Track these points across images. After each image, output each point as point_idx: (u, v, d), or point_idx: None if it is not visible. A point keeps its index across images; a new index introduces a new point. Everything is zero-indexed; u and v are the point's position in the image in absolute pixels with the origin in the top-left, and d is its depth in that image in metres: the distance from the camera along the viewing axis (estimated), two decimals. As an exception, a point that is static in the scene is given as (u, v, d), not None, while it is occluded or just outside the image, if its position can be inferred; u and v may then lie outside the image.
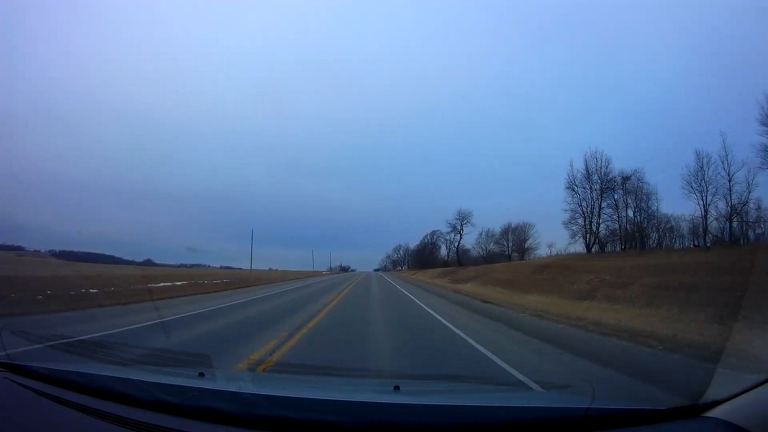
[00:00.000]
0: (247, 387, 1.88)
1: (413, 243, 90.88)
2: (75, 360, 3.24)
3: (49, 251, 42.36)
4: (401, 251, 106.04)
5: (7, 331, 3.11)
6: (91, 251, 45.38)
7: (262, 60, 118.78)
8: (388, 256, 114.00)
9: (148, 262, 52.03)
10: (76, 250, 43.82)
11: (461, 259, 55.51)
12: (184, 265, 55.76)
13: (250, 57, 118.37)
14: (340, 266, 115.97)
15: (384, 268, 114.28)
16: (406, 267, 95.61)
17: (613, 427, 1.30)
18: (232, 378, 2.63)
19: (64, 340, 4.57)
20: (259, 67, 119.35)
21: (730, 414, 1.24)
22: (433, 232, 72.80)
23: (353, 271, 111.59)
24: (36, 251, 41.35)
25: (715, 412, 1.29)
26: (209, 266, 60.46)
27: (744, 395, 1.28)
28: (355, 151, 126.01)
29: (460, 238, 57.46)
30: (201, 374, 1.93)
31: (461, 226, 56.23)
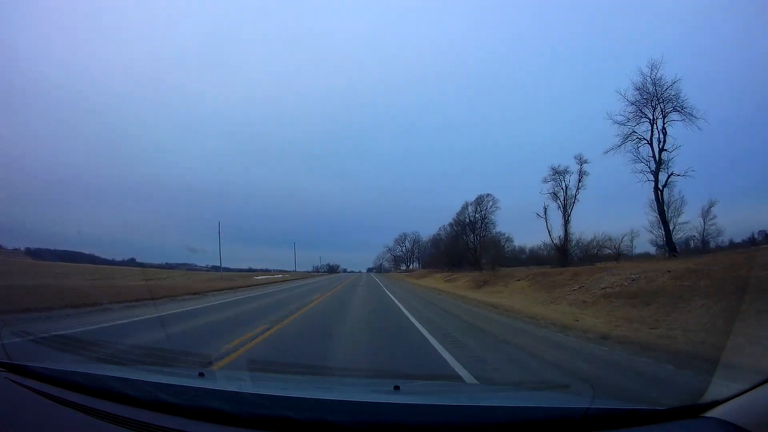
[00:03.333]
0: (248, 387, 1.88)
1: (424, 234, 64.54)
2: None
3: (26, 249, 40.96)
4: (407, 243, 75.17)
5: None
6: (69, 249, 43.77)
7: (223, 35, 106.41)
8: (388, 250, 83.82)
9: (132, 262, 50.78)
10: (53, 248, 42.36)
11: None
12: (170, 266, 54.48)
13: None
14: (328, 266, 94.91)
15: (379, 268, 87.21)
16: (418, 266, 66.06)
17: (613, 427, 1.31)
18: (233, 378, 2.63)
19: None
20: (217, 41, 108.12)
21: (730, 414, 1.25)
22: (480, 199, 39.70)
23: (344, 271, 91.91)
24: (16, 249, 39.98)
25: (715, 412, 1.29)
26: (196, 266, 59.25)
27: (744, 395, 1.28)
28: (338, 140, 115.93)
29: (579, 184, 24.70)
30: (201, 374, 1.94)
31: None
